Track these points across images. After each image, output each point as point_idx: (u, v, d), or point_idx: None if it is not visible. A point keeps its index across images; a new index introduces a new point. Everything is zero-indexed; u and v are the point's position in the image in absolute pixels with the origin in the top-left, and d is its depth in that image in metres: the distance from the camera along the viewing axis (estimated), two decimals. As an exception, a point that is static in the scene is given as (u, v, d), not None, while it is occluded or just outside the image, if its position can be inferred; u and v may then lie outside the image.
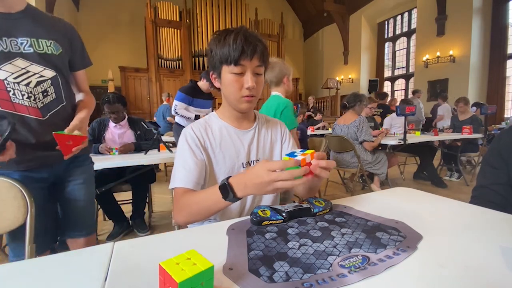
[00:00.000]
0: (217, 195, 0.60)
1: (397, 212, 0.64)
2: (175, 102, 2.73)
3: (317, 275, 0.40)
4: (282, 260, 0.44)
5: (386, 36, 9.16)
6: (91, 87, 1.15)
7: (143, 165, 1.85)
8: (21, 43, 0.87)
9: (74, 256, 0.48)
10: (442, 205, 0.72)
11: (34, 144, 0.92)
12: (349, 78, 9.69)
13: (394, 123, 3.98)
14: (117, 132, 2.11)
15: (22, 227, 0.93)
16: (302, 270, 0.41)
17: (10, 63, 0.85)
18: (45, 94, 0.92)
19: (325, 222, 0.60)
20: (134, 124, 2.20)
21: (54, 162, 0.94)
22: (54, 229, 1.09)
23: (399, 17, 8.62)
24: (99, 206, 2.00)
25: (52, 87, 0.94)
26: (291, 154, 0.57)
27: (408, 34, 8.34)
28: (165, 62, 8.25)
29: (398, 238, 0.51)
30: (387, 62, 9.28)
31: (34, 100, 0.90)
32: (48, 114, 0.94)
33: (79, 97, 1.09)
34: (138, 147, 2.08)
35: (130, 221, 2.14)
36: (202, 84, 2.81)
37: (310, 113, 5.86)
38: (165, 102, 5.32)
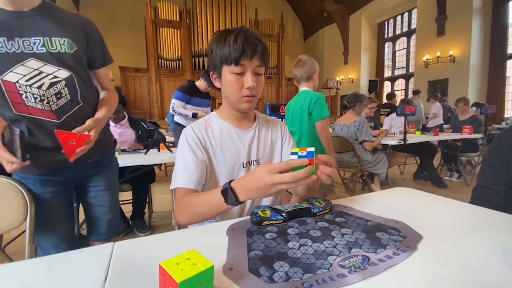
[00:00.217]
0: (219, 199, 0.59)
1: (397, 212, 0.64)
2: (173, 100, 2.75)
3: (317, 275, 0.40)
4: (282, 260, 0.44)
5: (386, 36, 9.16)
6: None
7: (143, 165, 1.85)
8: (34, 43, 0.82)
9: (74, 256, 0.48)
10: (442, 205, 0.72)
11: (52, 148, 0.88)
12: (349, 78, 9.69)
13: (394, 123, 3.97)
14: (117, 132, 2.12)
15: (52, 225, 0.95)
16: (302, 270, 0.41)
17: (22, 64, 0.81)
18: (58, 96, 0.87)
19: (325, 222, 0.60)
20: (135, 124, 2.21)
21: (73, 165, 0.89)
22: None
23: (399, 17, 8.62)
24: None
25: (66, 88, 0.88)
26: (294, 154, 0.58)
27: (408, 34, 8.34)
28: (165, 62, 8.23)
29: (398, 238, 0.51)
30: (387, 62, 9.27)
31: (48, 103, 0.85)
32: (64, 116, 0.89)
33: (102, 95, 1.04)
34: (146, 147, 2.08)
35: (130, 221, 2.14)
36: (200, 83, 2.83)
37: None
38: None
